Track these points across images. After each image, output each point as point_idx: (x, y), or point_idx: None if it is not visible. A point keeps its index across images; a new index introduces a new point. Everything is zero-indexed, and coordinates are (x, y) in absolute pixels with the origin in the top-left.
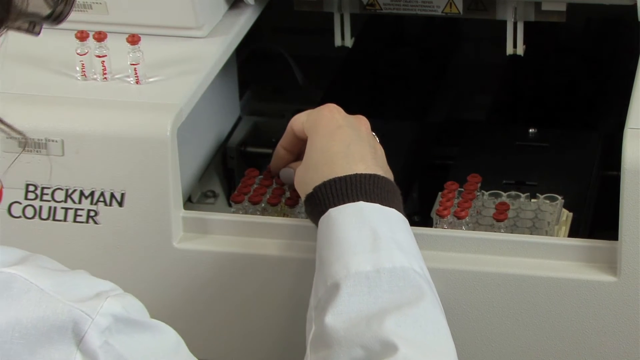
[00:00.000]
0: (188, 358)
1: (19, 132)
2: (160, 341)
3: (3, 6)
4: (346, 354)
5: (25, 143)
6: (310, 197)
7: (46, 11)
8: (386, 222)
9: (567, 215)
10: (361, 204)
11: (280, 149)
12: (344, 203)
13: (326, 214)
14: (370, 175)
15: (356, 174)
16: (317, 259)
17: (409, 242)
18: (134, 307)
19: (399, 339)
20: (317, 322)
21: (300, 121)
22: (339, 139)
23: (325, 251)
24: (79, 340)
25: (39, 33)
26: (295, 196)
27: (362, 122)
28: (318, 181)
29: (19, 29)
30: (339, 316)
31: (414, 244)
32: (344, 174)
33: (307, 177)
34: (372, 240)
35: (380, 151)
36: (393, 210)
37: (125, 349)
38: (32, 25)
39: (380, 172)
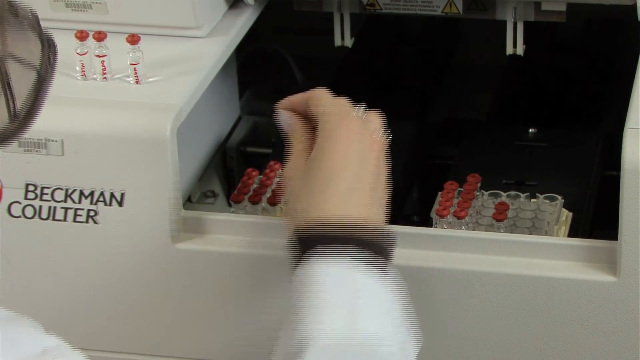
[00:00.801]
0: None
1: None
2: None
3: None
4: None
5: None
6: (294, 238)
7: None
8: (368, 285)
9: (566, 215)
10: (347, 261)
11: (290, 102)
12: (329, 253)
13: (308, 262)
14: (361, 229)
15: (348, 225)
16: (290, 304)
17: (390, 307)
18: None
19: None
20: None
21: (319, 108)
22: (342, 175)
23: (298, 305)
24: None
25: None
26: None
27: (374, 149)
28: (309, 219)
29: None
30: None
31: (399, 311)
32: (338, 222)
33: (303, 206)
34: (350, 306)
35: (381, 184)
36: (376, 273)
37: None
38: None
39: (375, 219)
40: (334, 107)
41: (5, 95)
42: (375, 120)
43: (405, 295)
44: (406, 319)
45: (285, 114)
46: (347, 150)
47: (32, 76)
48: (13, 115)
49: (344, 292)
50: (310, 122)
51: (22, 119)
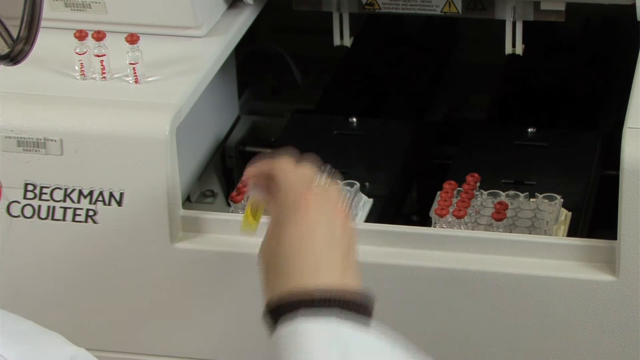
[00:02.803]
0: None
1: None
2: None
3: None
4: None
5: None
6: (269, 308)
7: (4, 51)
8: (358, 346)
9: (566, 215)
10: (333, 326)
11: (257, 171)
12: (315, 317)
13: (294, 323)
14: (341, 294)
15: (326, 288)
16: None
17: None
18: None
19: None
20: None
21: (281, 178)
22: (309, 246)
23: None
24: None
25: None
26: None
27: (338, 215)
28: (280, 292)
29: None
30: None
31: None
32: (306, 293)
33: (271, 280)
34: None
35: (353, 250)
36: (366, 337)
37: None
38: None
39: (348, 286)
40: (297, 179)
41: None
42: (336, 191)
43: (405, 349)
44: None
45: (256, 192)
46: (313, 220)
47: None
48: (12, 41)
49: (335, 348)
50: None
51: (25, 37)
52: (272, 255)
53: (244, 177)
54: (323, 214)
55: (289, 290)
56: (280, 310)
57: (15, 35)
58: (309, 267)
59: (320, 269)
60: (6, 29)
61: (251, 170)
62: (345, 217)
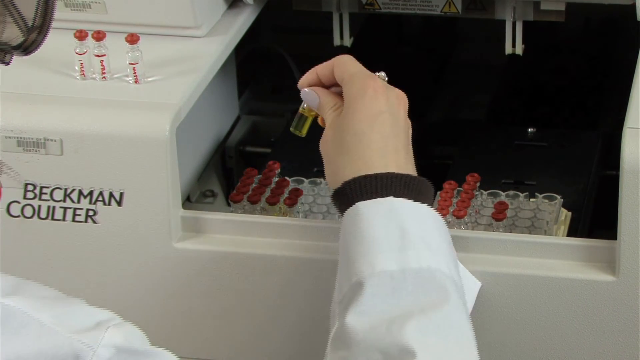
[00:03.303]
0: None
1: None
2: None
3: None
4: (364, 356)
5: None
6: (338, 191)
7: (19, 40)
8: (416, 219)
9: (566, 215)
10: (391, 199)
11: (315, 74)
12: (373, 198)
13: (353, 207)
14: (402, 175)
15: (388, 172)
16: (340, 253)
17: (440, 240)
18: (135, 336)
19: (418, 345)
20: (339, 319)
21: (344, 71)
22: (377, 129)
23: (350, 246)
24: None
25: (9, 63)
26: (294, 196)
27: (401, 105)
28: (349, 174)
29: None
30: (360, 317)
31: (446, 242)
32: (377, 172)
33: (340, 163)
34: (399, 238)
35: (410, 140)
36: (425, 206)
37: None
38: (3, 54)
39: (411, 171)
40: (359, 69)
41: (12, 16)
42: (397, 92)
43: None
44: (453, 249)
45: (309, 92)
46: (380, 106)
47: None
48: (26, 30)
49: (393, 228)
50: (335, 95)
51: (39, 26)
52: (335, 143)
53: (299, 84)
54: (388, 102)
55: (349, 179)
56: (342, 198)
57: (30, 24)
58: (375, 152)
59: (386, 155)
60: (22, 17)
61: (306, 77)
62: (407, 105)
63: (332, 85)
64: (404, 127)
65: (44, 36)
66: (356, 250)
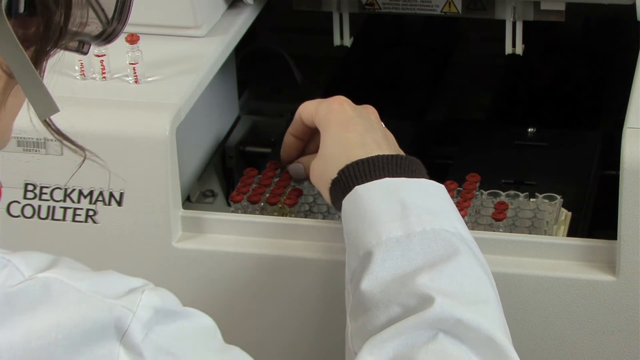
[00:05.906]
0: (222, 342)
1: (80, 147)
2: (197, 327)
3: (58, 27)
4: (384, 314)
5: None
6: (335, 182)
7: (99, 30)
8: (414, 191)
9: (566, 215)
10: (387, 179)
11: (290, 137)
12: (370, 181)
13: (352, 192)
14: (392, 155)
15: (378, 155)
16: (345, 237)
17: (441, 204)
18: (170, 299)
19: (434, 291)
20: (353, 292)
21: (309, 111)
22: (352, 129)
23: (354, 226)
24: (122, 335)
25: (87, 53)
26: (294, 195)
27: (370, 112)
28: (339, 169)
29: (67, 48)
30: (374, 281)
31: (448, 205)
32: (366, 157)
33: (327, 168)
34: (400, 210)
35: (392, 138)
36: (420, 179)
37: (165, 340)
38: (82, 44)
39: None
40: (321, 102)
41: (95, 10)
42: (364, 105)
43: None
44: (457, 211)
45: (293, 167)
46: (348, 114)
47: None
48: (106, 22)
49: (393, 201)
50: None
51: (119, 16)
52: (319, 161)
53: (282, 160)
54: (356, 110)
55: (341, 169)
56: (338, 187)
57: (110, 15)
58: (356, 145)
59: (366, 146)
60: (102, 8)
61: (284, 149)
62: (377, 117)
63: (309, 135)
64: (379, 128)
65: (124, 24)
66: (361, 227)
